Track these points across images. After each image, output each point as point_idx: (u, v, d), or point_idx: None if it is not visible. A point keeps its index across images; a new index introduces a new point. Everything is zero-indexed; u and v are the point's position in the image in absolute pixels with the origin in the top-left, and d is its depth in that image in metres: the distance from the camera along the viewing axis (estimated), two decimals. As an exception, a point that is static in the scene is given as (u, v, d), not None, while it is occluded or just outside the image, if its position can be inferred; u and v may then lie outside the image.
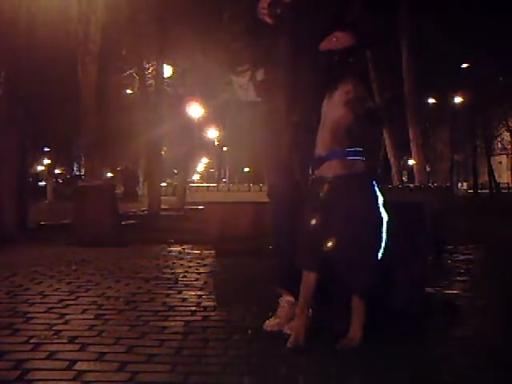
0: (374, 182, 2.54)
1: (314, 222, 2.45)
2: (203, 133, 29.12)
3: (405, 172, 31.36)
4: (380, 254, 2.44)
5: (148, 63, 18.22)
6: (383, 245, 2.44)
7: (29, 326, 2.78)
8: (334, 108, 2.49)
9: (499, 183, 38.90)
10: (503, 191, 39.25)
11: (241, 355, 2.36)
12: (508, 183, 43.29)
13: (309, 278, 2.47)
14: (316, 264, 2.46)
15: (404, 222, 2.64)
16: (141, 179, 32.20)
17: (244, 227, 5.50)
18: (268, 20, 2.64)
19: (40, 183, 35.80)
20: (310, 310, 2.54)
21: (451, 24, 19.94)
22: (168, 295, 3.57)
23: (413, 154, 16.22)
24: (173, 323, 2.86)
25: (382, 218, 2.46)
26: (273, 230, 2.83)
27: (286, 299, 2.76)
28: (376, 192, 2.51)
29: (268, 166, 2.82)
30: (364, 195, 2.48)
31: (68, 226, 7.63)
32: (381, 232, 2.45)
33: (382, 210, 2.48)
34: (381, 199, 2.50)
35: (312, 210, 2.48)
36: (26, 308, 3.18)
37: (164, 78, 17.34)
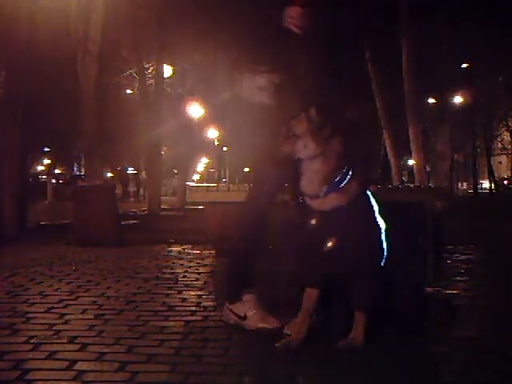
0: (368, 192, 2.51)
1: (314, 243, 2.44)
2: (203, 133, 29.09)
3: (405, 172, 31.35)
4: (382, 262, 2.45)
5: (148, 63, 18.21)
6: (385, 253, 2.45)
7: (29, 326, 2.78)
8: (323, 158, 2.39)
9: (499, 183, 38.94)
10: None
11: (241, 355, 2.36)
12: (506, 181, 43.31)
13: (312, 293, 2.49)
14: (318, 282, 2.48)
15: (404, 222, 2.64)
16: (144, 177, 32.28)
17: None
18: (295, 30, 2.63)
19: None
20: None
21: (451, 24, 19.95)
22: (168, 295, 3.57)
23: (413, 153, 16.22)
24: (173, 323, 2.86)
25: (381, 228, 2.47)
26: (245, 225, 2.85)
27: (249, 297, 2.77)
28: (371, 203, 2.50)
29: (262, 157, 2.76)
30: (362, 215, 2.46)
31: (68, 225, 7.63)
32: (381, 243, 2.45)
33: (379, 219, 2.48)
34: (376, 208, 2.49)
35: (312, 233, 2.46)
36: (25, 308, 3.18)
37: (164, 78, 17.34)
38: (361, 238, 2.41)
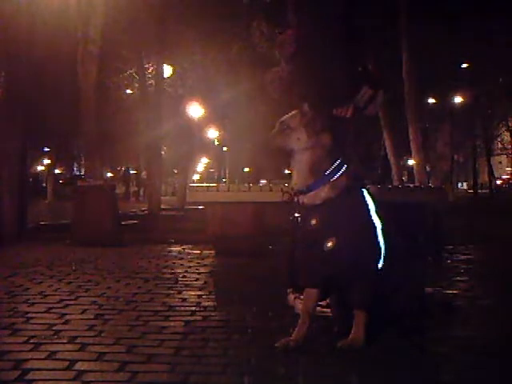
0: (364, 190, 2.53)
1: (311, 244, 2.46)
2: (203, 133, 29.07)
3: (405, 172, 31.34)
4: (381, 263, 2.44)
5: (148, 63, 18.21)
6: (382, 253, 2.44)
7: (29, 326, 2.78)
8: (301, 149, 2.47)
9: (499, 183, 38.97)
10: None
11: (241, 355, 2.36)
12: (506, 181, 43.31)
13: (312, 293, 2.49)
14: (318, 282, 2.49)
15: (404, 222, 2.64)
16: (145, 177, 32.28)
17: (244, 227, 5.50)
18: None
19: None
20: None
21: (451, 24, 19.93)
22: (168, 295, 3.57)
23: (413, 153, 16.20)
24: (173, 323, 2.86)
25: (376, 227, 2.46)
26: None
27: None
28: (366, 201, 2.50)
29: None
30: (353, 209, 2.47)
31: (68, 225, 7.62)
32: (377, 241, 2.45)
33: (374, 218, 2.48)
34: (372, 206, 2.49)
35: (308, 234, 2.47)
36: (25, 308, 3.18)
37: (164, 78, 17.33)
38: (353, 231, 2.42)
